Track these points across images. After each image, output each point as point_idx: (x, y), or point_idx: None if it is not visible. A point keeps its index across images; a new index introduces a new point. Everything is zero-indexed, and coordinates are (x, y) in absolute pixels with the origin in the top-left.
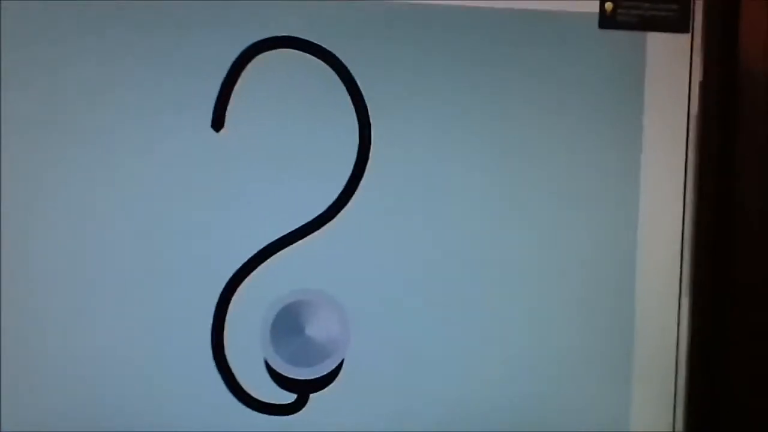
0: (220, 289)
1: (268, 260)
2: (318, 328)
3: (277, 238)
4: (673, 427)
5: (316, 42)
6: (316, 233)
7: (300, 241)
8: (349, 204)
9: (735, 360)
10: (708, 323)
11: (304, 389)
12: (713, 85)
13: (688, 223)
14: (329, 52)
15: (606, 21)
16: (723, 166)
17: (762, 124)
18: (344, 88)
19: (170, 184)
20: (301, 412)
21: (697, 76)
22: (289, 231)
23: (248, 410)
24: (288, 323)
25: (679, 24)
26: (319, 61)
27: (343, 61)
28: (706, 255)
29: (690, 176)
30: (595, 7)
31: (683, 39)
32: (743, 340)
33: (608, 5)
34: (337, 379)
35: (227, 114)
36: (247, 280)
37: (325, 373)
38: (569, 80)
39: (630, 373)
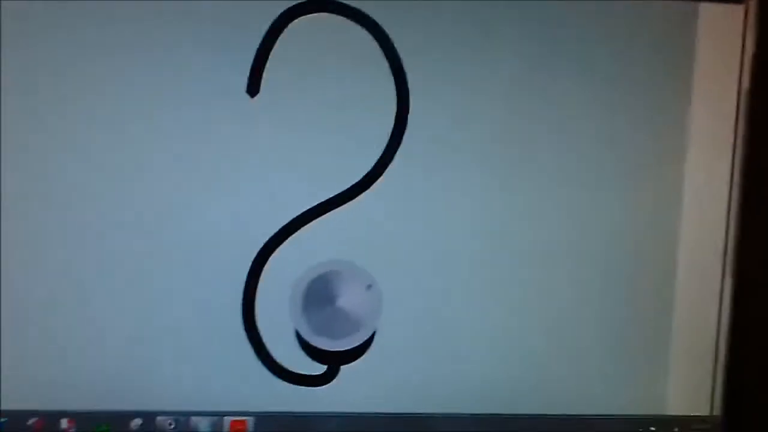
0: (251, 259)
1: (300, 230)
2: (349, 300)
3: (310, 207)
4: (711, 411)
5: (355, 6)
6: (350, 203)
7: (333, 211)
8: (385, 174)
9: None
10: (750, 306)
11: (334, 361)
12: (766, 59)
13: (734, 203)
14: (369, 17)
15: None
16: None
17: None
18: (383, 54)
19: (204, 152)
20: (331, 383)
21: (750, 49)
22: (323, 200)
23: (279, 380)
24: (320, 294)
25: None
26: (359, 26)
27: (383, 26)
28: (751, 236)
29: (738, 154)
30: None
31: (737, 10)
32: None
33: None
34: (367, 352)
35: (263, 80)
36: (279, 249)
37: (356, 345)
38: (617, 52)
39: (668, 355)
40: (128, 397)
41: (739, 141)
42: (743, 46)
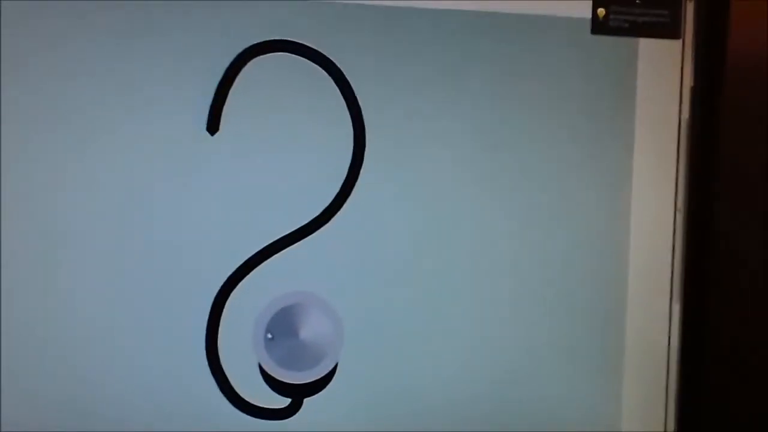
0: (213, 294)
1: (261, 264)
2: (312, 331)
3: (271, 241)
4: (665, 427)
5: (311, 46)
6: (310, 237)
7: (294, 245)
8: (345, 207)
9: (725, 361)
10: (698, 325)
11: (298, 393)
12: (704, 91)
13: (678, 228)
14: (324, 56)
15: (598, 27)
16: (713, 171)
17: (752, 128)
18: (340, 93)
19: (165, 188)
20: (295, 416)
21: (688, 82)
22: (284, 234)
23: (242, 415)
24: (282, 327)
25: (670, 30)
26: (315, 65)
27: (337, 64)
28: (697, 259)
29: (681, 181)
30: (587, 13)
31: (675, 45)
32: (733, 341)
33: (600, 11)
34: (330, 383)
35: (222, 117)
36: (240, 284)
37: (319, 376)
38: (561, 85)
39: (622, 373)
40: (92, 426)
41: (681, 169)
42: (681, 78)
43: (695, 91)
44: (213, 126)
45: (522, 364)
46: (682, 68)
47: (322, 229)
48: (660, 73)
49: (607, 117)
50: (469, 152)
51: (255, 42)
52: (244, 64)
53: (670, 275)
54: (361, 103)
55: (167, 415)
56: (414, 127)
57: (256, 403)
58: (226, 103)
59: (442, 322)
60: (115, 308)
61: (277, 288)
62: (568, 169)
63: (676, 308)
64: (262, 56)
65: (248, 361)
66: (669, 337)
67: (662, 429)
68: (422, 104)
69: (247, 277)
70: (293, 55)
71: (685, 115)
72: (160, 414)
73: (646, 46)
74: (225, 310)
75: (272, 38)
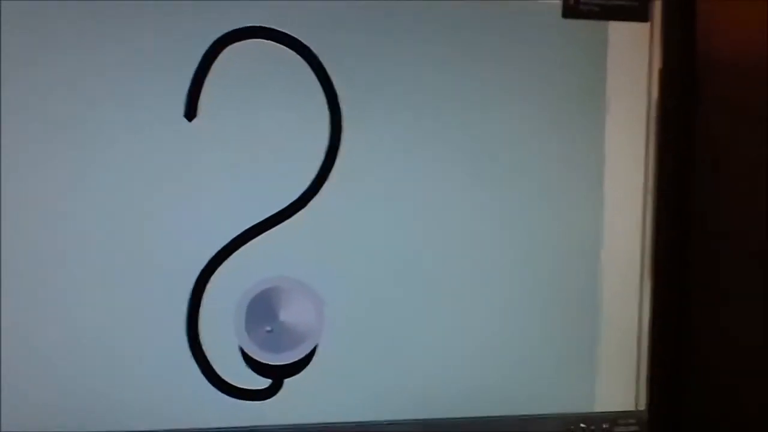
0: (194, 278)
1: (241, 248)
2: (291, 314)
3: (250, 226)
4: (637, 406)
5: (287, 32)
6: (289, 221)
7: (273, 229)
8: (321, 192)
9: (696, 340)
10: (669, 305)
11: (278, 374)
12: (673, 73)
13: (649, 208)
14: (301, 43)
15: (569, 11)
16: (682, 151)
17: (720, 109)
18: (315, 77)
19: (144, 175)
20: (276, 397)
21: (657, 64)
22: (262, 219)
23: (225, 396)
24: (262, 310)
25: (639, 13)
26: (291, 51)
27: (314, 51)
28: (667, 239)
29: (651, 161)
30: None
31: (643, 28)
32: (704, 320)
33: None
34: (310, 364)
35: (200, 104)
36: (220, 268)
37: (299, 358)
38: (533, 68)
39: (594, 355)
40: (71, 419)
41: (651, 150)
42: (650, 61)
43: (664, 73)
44: (191, 112)
45: (495, 346)
46: (650, 51)
47: (303, 215)
48: (629, 56)
49: (578, 99)
50: (442, 139)
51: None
52: (221, 50)
53: (641, 255)
54: (340, 91)
55: (151, 402)
56: (388, 111)
57: (237, 385)
58: (205, 90)
59: (418, 309)
60: (94, 296)
61: (258, 272)
62: (539, 154)
63: (647, 287)
64: (238, 42)
65: (230, 344)
66: (640, 317)
67: (634, 407)
68: (395, 90)
69: (228, 261)
70: (269, 41)
71: (655, 95)
72: (144, 401)
73: (615, 29)
74: (206, 295)
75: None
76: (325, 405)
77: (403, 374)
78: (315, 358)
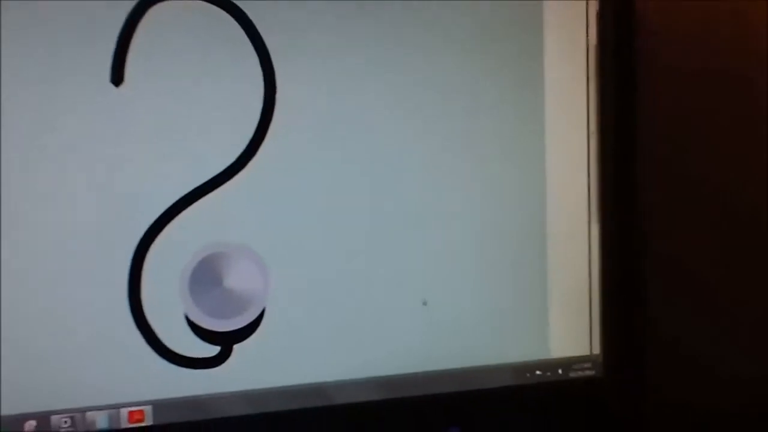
0: (134, 248)
1: (180, 214)
2: (236, 279)
3: (188, 191)
4: (591, 350)
5: None
6: (227, 184)
7: (213, 194)
8: (259, 153)
9: (647, 281)
10: (618, 247)
11: (226, 341)
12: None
13: (593, 149)
14: (230, 1)
15: None
16: (622, 100)
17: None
18: (245, 35)
19: (78, 143)
20: (226, 363)
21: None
22: (200, 184)
23: (173, 366)
24: (206, 276)
25: None
26: (219, 9)
27: (242, 7)
28: (612, 183)
29: (592, 110)
30: None
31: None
32: (653, 261)
33: None
34: (259, 328)
35: (126, 68)
36: (160, 236)
37: (246, 323)
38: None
39: (546, 302)
40: (19, 398)
41: (591, 100)
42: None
43: (601, 13)
44: (117, 77)
45: (445, 300)
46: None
47: (242, 178)
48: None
49: (516, 53)
50: (379, 93)
51: None
52: (144, 12)
53: (587, 198)
54: (271, 47)
55: (98, 376)
56: (321, 65)
57: (184, 354)
58: (131, 54)
59: (363, 263)
60: (34, 266)
61: (200, 238)
62: (484, 98)
63: (595, 230)
64: (164, 2)
65: (175, 313)
66: (589, 260)
67: (588, 352)
68: (329, 46)
69: (168, 228)
70: (194, 1)
71: (593, 41)
72: (90, 375)
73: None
74: (147, 263)
75: None
76: (276, 368)
77: (354, 333)
78: (263, 322)
